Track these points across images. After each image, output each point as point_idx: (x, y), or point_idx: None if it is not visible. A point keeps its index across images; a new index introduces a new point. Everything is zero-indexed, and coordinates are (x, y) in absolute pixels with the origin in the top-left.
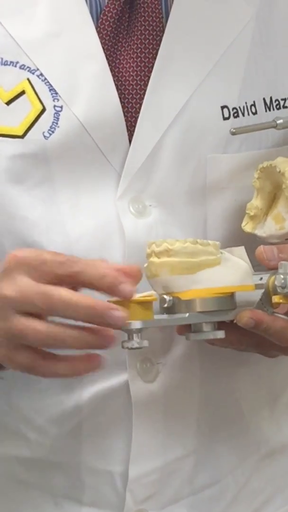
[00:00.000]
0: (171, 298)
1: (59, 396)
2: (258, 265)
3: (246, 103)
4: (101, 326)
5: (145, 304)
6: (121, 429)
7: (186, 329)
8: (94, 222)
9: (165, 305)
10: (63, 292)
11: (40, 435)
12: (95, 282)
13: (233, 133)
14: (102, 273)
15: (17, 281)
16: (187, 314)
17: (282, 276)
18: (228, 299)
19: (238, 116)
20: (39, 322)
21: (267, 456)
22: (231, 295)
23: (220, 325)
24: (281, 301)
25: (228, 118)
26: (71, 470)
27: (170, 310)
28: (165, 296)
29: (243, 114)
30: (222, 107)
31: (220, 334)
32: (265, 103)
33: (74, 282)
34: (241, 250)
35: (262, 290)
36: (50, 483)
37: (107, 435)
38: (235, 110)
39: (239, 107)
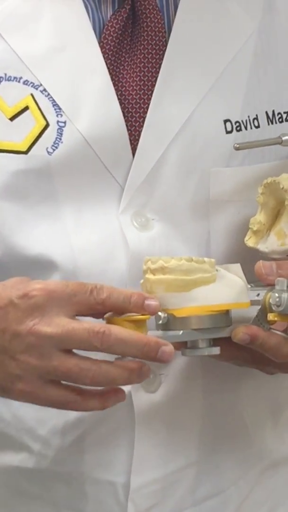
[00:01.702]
0: (166, 315)
1: None
2: (258, 280)
3: (248, 116)
4: (148, 360)
5: (138, 323)
6: (123, 440)
7: (183, 344)
8: (97, 236)
9: (160, 322)
10: (118, 330)
11: (43, 446)
12: (122, 304)
13: (236, 149)
14: (128, 294)
15: (55, 318)
16: (180, 332)
17: (276, 295)
18: (223, 316)
19: (240, 129)
20: (89, 360)
21: (270, 468)
22: (226, 312)
23: (216, 341)
24: (276, 319)
25: (231, 132)
26: (74, 481)
27: (165, 326)
28: (160, 313)
29: (245, 128)
30: (225, 121)
31: (216, 351)
32: (268, 117)
33: (103, 308)
34: (237, 267)
35: (259, 307)
36: (53, 494)
37: (109, 446)
38: (237, 124)
39: (242, 121)
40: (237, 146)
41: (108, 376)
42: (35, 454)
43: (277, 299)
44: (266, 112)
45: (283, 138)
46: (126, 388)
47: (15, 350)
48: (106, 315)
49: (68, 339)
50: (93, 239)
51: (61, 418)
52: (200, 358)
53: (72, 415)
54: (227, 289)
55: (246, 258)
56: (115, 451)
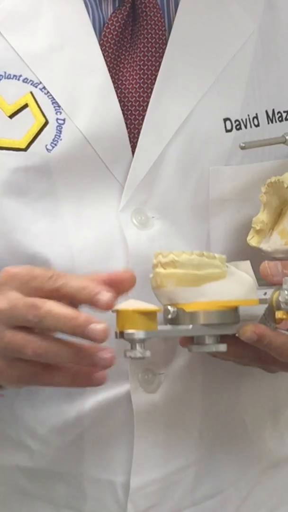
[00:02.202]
0: (175, 309)
1: (61, 406)
2: (260, 278)
3: (248, 115)
4: (79, 337)
5: (149, 315)
6: (123, 439)
7: (189, 340)
8: (96, 234)
9: (169, 316)
10: (51, 304)
11: (42, 445)
12: (75, 294)
13: (242, 148)
14: (82, 285)
15: (8, 295)
16: (190, 326)
17: (286, 292)
18: (231, 313)
19: (240, 128)
20: (38, 335)
21: (270, 468)
22: (235, 309)
23: (222, 338)
24: (284, 317)
25: (230, 130)
26: (73, 480)
27: (173, 321)
28: (169, 307)
29: (245, 127)
30: (225, 120)
31: (222, 348)
32: (268, 116)
33: (59, 295)
34: (247, 264)
35: (266, 305)
36: (52, 493)
37: (109, 445)
38: (237, 123)
39: (242, 120)
40: (243, 145)
41: (49, 350)
42: (35, 453)
43: (287, 297)
44: (266, 111)
45: (287, 137)
46: (125, 388)
47: None
48: (115, 307)
49: (12, 313)
50: (92, 237)
51: (60, 417)
52: (200, 358)
53: (71, 414)
54: (237, 286)
55: (246, 257)
56: (115, 451)
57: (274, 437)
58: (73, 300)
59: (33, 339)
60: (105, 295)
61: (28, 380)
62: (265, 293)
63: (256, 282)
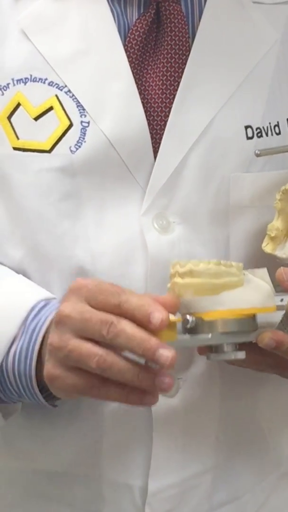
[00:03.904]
0: (194, 318)
1: (81, 410)
2: (278, 285)
3: (270, 123)
4: (147, 359)
5: (170, 325)
6: (141, 444)
7: (207, 349)
8: (118, 238)
9: (188, 326)
10: (125, 323)
11: (61, 449)
12: (134, 312)
13: (257, 155)
14: (139, 303)
15: (77, 305)
16: (210, 335)
17: None
18: (250, 321)
19: (261, 136)
20: (103, 348)
21: (287, 475)
22: (253, 316)
23: (240, 345)
24: None
25: (251, 138)
26: (91, 484)
27: (192, 330)
28: (188, 317)
29: (266, 134)
30: (246, 127)
31: (241, 355)
32: None
33: (120, 312)
34: (264, 271)
35: (283, 312)
36: (70, 496)
37: (127, 449)
38: (258, 130)
39: (263, 127)
40: (258, 152)
41: (114, 366)
42: (53, 456)
43: None
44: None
45: None
46: None
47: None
48: None
49: (85, 325)
50: (113, 241)
51: (79, 421)
52: (218, 364)
53: (90, 418)
54: (254, 293)
55: (266, 264)
56: (133, 455)
57: None
58: (130, 317)
59: (99, 351)
60: (155, 316)
61: (82, 391)
62: (282, 300)
63: (273, 289)
